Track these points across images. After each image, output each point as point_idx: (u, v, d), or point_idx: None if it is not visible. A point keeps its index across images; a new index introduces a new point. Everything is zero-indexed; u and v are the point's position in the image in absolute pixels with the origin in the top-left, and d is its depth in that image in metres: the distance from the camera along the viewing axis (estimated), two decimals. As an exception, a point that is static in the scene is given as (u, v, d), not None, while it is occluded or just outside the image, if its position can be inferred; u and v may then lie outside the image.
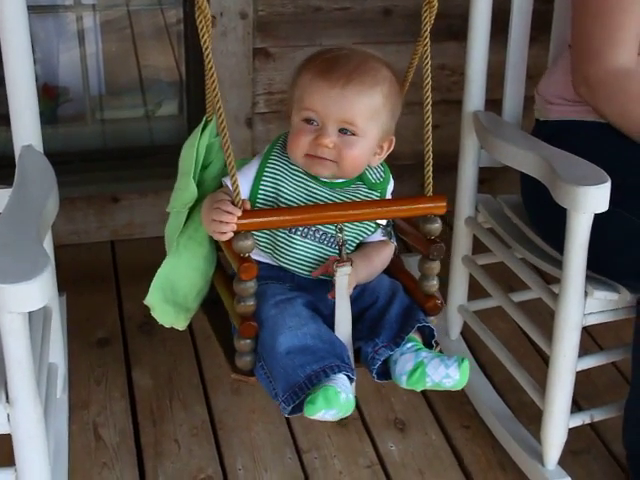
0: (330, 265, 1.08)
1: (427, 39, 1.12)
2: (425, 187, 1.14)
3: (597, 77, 1.47)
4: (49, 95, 2.38)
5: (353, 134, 1.09)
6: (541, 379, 1.55)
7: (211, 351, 1.93)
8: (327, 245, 1.14)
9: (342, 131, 1.09)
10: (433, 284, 1.14)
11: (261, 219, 1.05)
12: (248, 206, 1.06)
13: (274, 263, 1.15)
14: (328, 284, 1.10)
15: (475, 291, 1.85)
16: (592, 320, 1.48)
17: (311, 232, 1.12)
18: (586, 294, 1.43)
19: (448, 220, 2.38)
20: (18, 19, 1.32)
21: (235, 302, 1.07)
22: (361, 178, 1.16)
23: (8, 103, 1.38)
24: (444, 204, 1.12)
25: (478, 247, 1.80)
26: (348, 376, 1.04)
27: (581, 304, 1.42)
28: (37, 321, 1.35)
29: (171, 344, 1.95)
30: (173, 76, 2.48)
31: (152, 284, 1.19)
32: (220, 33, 2.04)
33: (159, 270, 1.19)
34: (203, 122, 1.17)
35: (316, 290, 1.13)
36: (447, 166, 2.38)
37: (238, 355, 1.10)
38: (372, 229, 1.17)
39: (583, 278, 1.40)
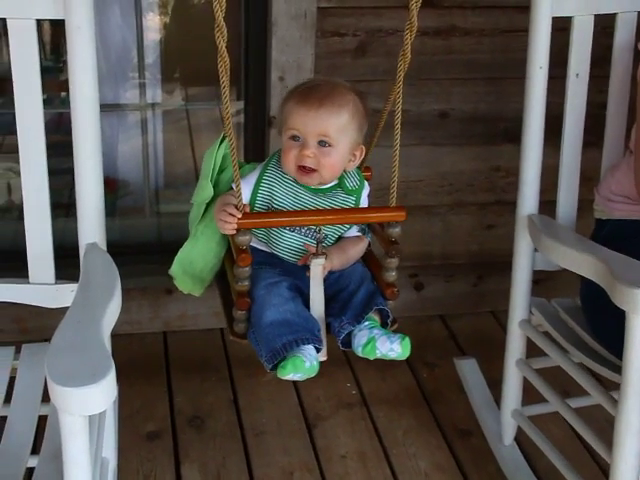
0: (309, 257, 1.35)
1: (400, 85, 1.33)
2: (389, 199, 1.37)
3: None
4: (110, 188, 2.45)
5: (329, 145, 1.35)
6: None
7: (260, 449, 1.92)
8: (311, 238, 1.38)
9: (320, 143, 1.34)
10: (392, 275, 1.38)
11: (256, 220, 1.34)
12: (248, 209, 1.34)
13: (269, 250, 1.42)
14: (309, 269, 1.37)
15: (528, 396, 1.82)
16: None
17: (298, 228, 1.38)
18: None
19: (502, 321, 2.40)
20: (90, 120, 1.38)
21: (234, 282, 1.34)
22: (340, 185, 1.40)
23: (73, 197, 1.42)
24: (403, 213, 1.36)
25: (532, 350, 1.78)
26: (316, 347, 1.30)
27: None
28: (93, 418, 1.35)
29: (221, 440, 1.94)
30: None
31: (175, 259, 1.47)
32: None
33: (181, 248, 1.47)
34: (221, 136, 1.43)
35: (300, 274, 1.37)
36: (500, 265, 2.40)
37: (235, 322, 1.36)
38: (348, 226, 1.43)
39: None
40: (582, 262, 1.46)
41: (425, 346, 2.28)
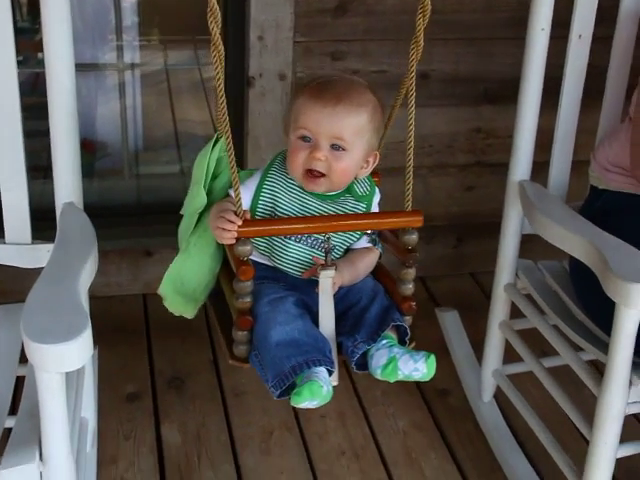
0: (316, 268, 1.22)
1: (413, 76, 1.21)
2: (405, 203, 1.25)
3: None
4: (88, 150, 2.43)
5: (342, 149, 1.22)
6: (575, 448, 1.52)
7: (240, 409, 1.93)
8: (317, 249, 1.26)
9: (333, 147, 1.21)
10: (409, 287, 1.26)
11: (258, 228, 1.19)
12: (248, 216, 1.19)
13: (271, 264, 1.28)
14: (316, 284, 1.23)
15: (509, 354, 1.84)
16: (636, 409, 1.44)
17: (304, 238, 1.25)
18: (630, 383, 1.39)
19: (481, 282, 2.41)
20: (66, 78, 1.35)
21: (234, 298, 1.20)
22: (349, 191, 1.28)
23: (47, 157, 1.41)
24: (420, 218, 1.23)
25: (515, 310, 1.79)
26: (327, 369, 1.17)
27: (625, 394, 1.38)
28: (71, 377, 1.35)
29: (200, 401, 1.95)
30: (209, 132, 2.53)
31: (165, 276, 1.32)
32: (258, 94, 2.07)
33: (171, 265, 1.32)
34: (215, 138, 1.30)
35: (306, 289, 1.24)
36: (480, 226, 2.41)
37: (235, 344, 1.22)
38: (357, 236, 1.30)
39: (629, 369, 1.37)
40: (575, 244, 1.42)
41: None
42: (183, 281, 1.32)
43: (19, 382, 1.41)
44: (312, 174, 1.22)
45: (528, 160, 1.67)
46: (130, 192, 2.47)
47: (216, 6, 1.03)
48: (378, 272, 1.34)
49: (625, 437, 1.45)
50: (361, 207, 1.29)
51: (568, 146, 1.71)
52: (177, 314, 1.36)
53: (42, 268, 1.21)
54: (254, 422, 1.89)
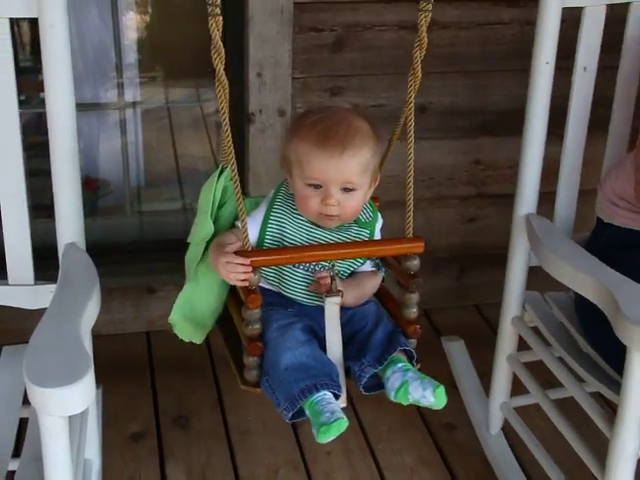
0: (319, 284, 1.27)
1: (411, 106, 1.25)
2: (406, 230, 1.29)
3: None
4: (90, 188, 2.44)
5: (352, 190, 1.25)
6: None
7: (246, 448, 1.91)
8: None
9: (343, 189, 1.24)
10: (413, 312, 1.29)
11: (268, 257, 1.23)
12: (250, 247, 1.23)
13: (277, 291, 1.32)
14: (323, 310, 1.27)
15: (516, 386, 1.82)
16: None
17: (312, 266, 1.28)
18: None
19: (485, 313, 2.41)
20: (66, 117, 1.36)
21: (244, 325, 1.23)
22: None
23: (50, 196, 1.41)
24: (421, 244, 1.27)
25: (522, 342, 1.77)
26: (334, 393, 1.21)
27: (638, 436, 1.36)
28: (74, 418, 1.34)
29: (205, 439, 1.93)
30: (210, 167, 2.54)
31: (175, 304, 1.36)
32: (258, 130, 2.08)
33: (180, 293, 1.36)
34: (220, 168, 1.33)
35: (314, 315, 1.28)
36: (482, 257, 2.41)
37: (246, 370, 1.26)
38: (361, 261, 1.33)
39: None
40: (585, 284, 1.40)
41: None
42: (192, 308, 1.36)
43: (22, 424, 1.40)
44: (326, 215, 1.25)
45: (534, 193, 1.65)
46: (132, 229, 2.47)
47: (220, 44, 1.08)
48: (382, 297, 1.37)
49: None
50: (365, 233, 1.32)
51: (574, 179, 1.69)
52: (186, 340, 1.40)
53: (45, 308, 1.21)
54: (260, 460, 1.88)
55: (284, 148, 1.30)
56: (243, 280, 1.20)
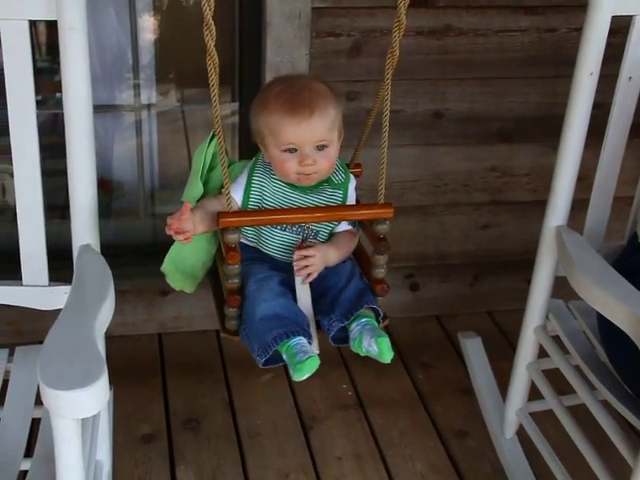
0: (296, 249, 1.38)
1: (389, 83, 1.30)
2: (378, 197, 1.36)
3: None
4: (104, 189, 2.44)
5: (325, 146, 1.35)
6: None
7: (256, 451, 1.91)
8: (302, 235, 1.40)
9: (317, 148, 1.34)
10: (381, 271, 1.38)
11: (242, 218, 1.34)
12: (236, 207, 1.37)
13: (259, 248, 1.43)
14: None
15: (534, 390, 1.79)
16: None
17: (289, 227, 1.39)
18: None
19: (498, 320, 2.40)
20: (83, 119, 1.36)
21: (225, 279, 1.35)
22: (327, 180, 1.40)
23: (64, 196, 1.41)
24: (391, 210, 1.35)
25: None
26: (306, 340, 1.31)
27: None
28: (87, 421, 1.34)
29: (216, 442, 1.93)
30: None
31: (167, 256, 1.47)
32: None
33: (172, 246, 1.46)
34: (211, 134, 1.42)
35: (290, 270, 1.38)
36: (496, 265, 2.40)
37: (227, 319, 1.37)
38: (337, 222, 1.43)
39: None
40: (618, 313, 1.34)
41: (421, 347, 2.28)
42: (183, 260, 1.47)
43: (35, 424, 1.41)
44: (305, 175, 1.35)
45: (566, 205, 1.61)
46: (146, 231, 2.47)
47: (211, 21, 1.13)
48: (358, 255, 1.48)
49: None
50: (338, 194, 1.41)
51: (609, 190, 1.65)
52: (178, 289, 1.51)
53: (59, 309, 1.21)
54: (270, 464, 1.88)
55: (254, 122, 1.38)
56: (178, 234, 1.31)
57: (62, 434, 1.03)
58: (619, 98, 1.58)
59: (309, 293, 1.38)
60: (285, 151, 1.34)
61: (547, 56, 2.14)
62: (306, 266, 1.36)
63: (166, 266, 1.48)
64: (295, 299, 1.37)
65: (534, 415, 1.80)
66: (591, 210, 1.67)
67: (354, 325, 1.33)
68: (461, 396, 2.10)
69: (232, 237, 1.30)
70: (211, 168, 1.46)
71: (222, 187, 1.37)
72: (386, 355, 1.28)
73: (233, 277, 1.33)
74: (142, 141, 2.46)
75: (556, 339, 1.71)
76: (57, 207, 2.29)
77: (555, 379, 1.71)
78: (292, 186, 1.39)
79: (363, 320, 1.33)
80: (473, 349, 2.12)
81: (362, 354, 1.31)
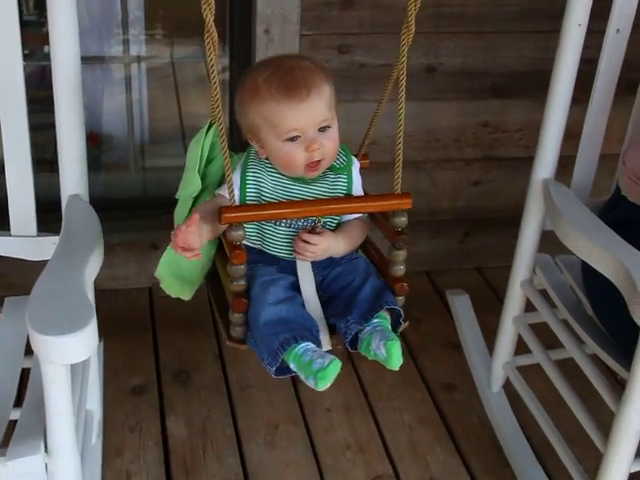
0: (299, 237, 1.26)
1: (404, 62, 1.23)
2: (394, 186, 1.26)
3: None
4: (93, 143, 2.42)
5: (328, 126, 1.24)
6: (582, 442, 1.52)
7: (246, 402, 1.93)
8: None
9: (320, 130, 1.23)
10: (400, 269, 1.27)
11: (251, 213, 1.21)
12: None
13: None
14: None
15: (521, 344, 1.81)
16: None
17: (294, 222, 1.27)
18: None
19: (487, 276, 2.41)
20: (71, 70, 1.34)
21: (229, 282, 1.23)
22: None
23: (54, 150, 1.40)
24: (409, 200, 1.24)
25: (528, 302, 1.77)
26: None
27: None
28: (77, 369, 1.35)
29: (206, 393, 1.95)
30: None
31: (161, 259, 1.34)
32: (265, 86, 2.06)
33: (167, 248, 1.33)
34: (208, 123, 1.31)
35: (298, 272, 1.28)
36: (487, 221, 2.40)
37: (232, 326, 1.25)
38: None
39: None
40: (603, 261, 1.36)
41: (411, 302, 2.28)
42: (179, 264, 1.33)
43: (24, 374, 1.41)
44: (313, 164, 1.24)
45: (554, 159, 1.62)
46: (136, 185, 2.46)
47: None
48: (370, 253, 1.36)
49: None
50: (342, 179, 1.30)
51: (596, 144, 1.65)
52: (174, 296, 1.38)
53: (47, 260, 1.21)
54: (259, 415, 1.89)
55: (244, 116, 1.27)
56: (185, 251, 1.18)
57: (51, 380, 1.04)
58: (606, 51, 1.58)
59: (314, 293, 1.26)
60: (287, 140, 1.22)
61: (541, 10, 2.12)
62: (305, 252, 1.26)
63: (160, 271, 1.34)
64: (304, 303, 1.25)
65: (521, 369, 1.82)
66: (578, 165, 1.68)
67: (365, 326, 1.22)
68: (450, 351, 2.12)
69: (237, 234, 1.18)
70: (208, 161, 1.33)
71: (220, 183, 1.29)
72: (394, 361, 1.16)
73: (239, 279, 1.21)
74: (132, 94, 2.44)
75: (543, 293, 1.72)
76: (47, 161, 2.28)
77: (542, 333, 1.72)
78: (292, 177, 1.27)
79: (375, 321, 1.22)
80: (461, 306, 2.13)
81: (370, 357, 1.20)
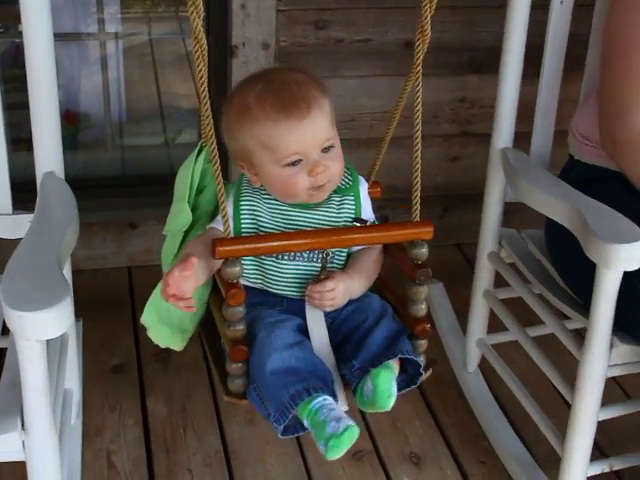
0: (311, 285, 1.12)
1: (419, 68, 1.13)
2: (412, 213, 1.14)
3: (624, 137, 1.44)
4: (70, 121, 2.40)
5: (332, 146, 1.12)
6: (558, 414, 1.53)
7: (226, 380, 1.93)
8: (317, 262, 1.15)
9: (324, 150, 1.11)
10: (422, 308, 1.14)
11: (250, 245, 1.06)
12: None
13: (263, 289, 1.17)
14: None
15: (494, 323, 1.83)
16: (617, 372, 1.45)
17: (299, 254, 1.13)
18: (611, 345, 1.39)
19: (467, 252, 2.41)
20: (44, 47, 1.33)
21: (225, 326, 1.09)
22: None
23: (31, 129, 1.39)
24: (431, 229, 1.12)
25: (499, 279, 1.78)
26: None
27: (606, 357, 1.39)
28: (54, 347, 1.34)
29: (186, 372, 1.94)
30: (193, 104, 2.51)
31: (147, 304, 1.20)
32: (242, 63, 2.05)
33: (154, 291, 1.19)
34: (198, 147, 1.19)
35: (305, 313, 1.14)
36: (465, 197, 2.41)
37: (230, 378, 1.11)
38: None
39: (610, 331, 1.37)
40: (558, 209, 1.43)
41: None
42: (169, 309, 1.16)
43: (1, 354, 1.40)
44: (318, 188, 1.11)
45: (510, 128, 1.67)
46: (114, 164, 2.45)
47: None
48: (385, 290, 1.23)
49: (606, 400, 1.45)
50: (349, 201, 1.17)
51: (550, 115, 1.70)
52: (164, 346, 1.24)
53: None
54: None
55: (234, 141, 1.14)
56: (178, 300, 1.03)
57: (27, 357, 1.03)
58: (552, 23, 1.62)
59: (327, 335, 1.12)
60: (288, 165, 1.09)
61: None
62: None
63: (147, 317, 1.20)
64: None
65: (497, 347, 1.83)
66: (535, 136, 1.71)
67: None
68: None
69: (233, 271, 1.03)
70: (199, 191, 1.20)
71: (213, 216, 1.16)
72: (380, 395, 1.02)
73: (236, 323, 1.06)
74: (108, 71, 2.42)
75: (512, 267, 1.73)
76: (24, 140, 2.26)
77: (514, 308, 1.73)
78: (291, 203, 1.14)
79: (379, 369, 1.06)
80: (435, 293, 2.13)
81: (363, 407, 1.07)
